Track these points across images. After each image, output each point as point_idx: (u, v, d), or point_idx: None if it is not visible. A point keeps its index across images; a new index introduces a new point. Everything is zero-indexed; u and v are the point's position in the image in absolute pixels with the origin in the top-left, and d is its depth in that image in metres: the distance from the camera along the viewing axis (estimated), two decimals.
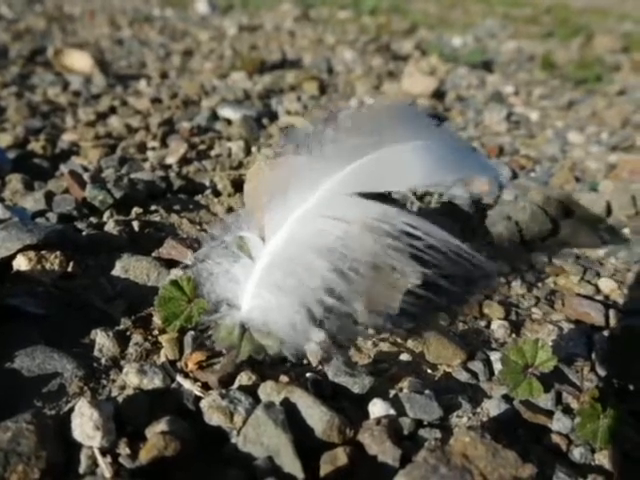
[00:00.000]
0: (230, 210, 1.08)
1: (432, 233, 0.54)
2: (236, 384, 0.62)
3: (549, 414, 0.64)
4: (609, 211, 1.23)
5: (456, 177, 0.58)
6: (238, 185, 1.16)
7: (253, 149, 1.40)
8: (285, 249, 0.59)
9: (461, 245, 0.54)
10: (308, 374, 0.65)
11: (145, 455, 0.52)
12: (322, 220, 0.58)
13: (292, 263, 0.58)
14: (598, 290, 0.93)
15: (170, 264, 0.84)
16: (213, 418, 0.57)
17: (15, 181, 1.09)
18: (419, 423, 0.60)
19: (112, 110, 1.63)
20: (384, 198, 0.58)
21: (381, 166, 0.57)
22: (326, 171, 0.58)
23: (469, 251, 0.53)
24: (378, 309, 0.70)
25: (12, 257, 0.78)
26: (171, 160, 1.29)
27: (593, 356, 0.75)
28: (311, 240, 0.58)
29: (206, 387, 0.62)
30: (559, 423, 0.63)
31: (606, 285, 0.93)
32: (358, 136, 0.58)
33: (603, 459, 0.59)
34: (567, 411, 0.65)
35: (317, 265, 0.57)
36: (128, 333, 0.70)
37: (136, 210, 1.02)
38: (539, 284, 0.93)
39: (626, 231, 1.16)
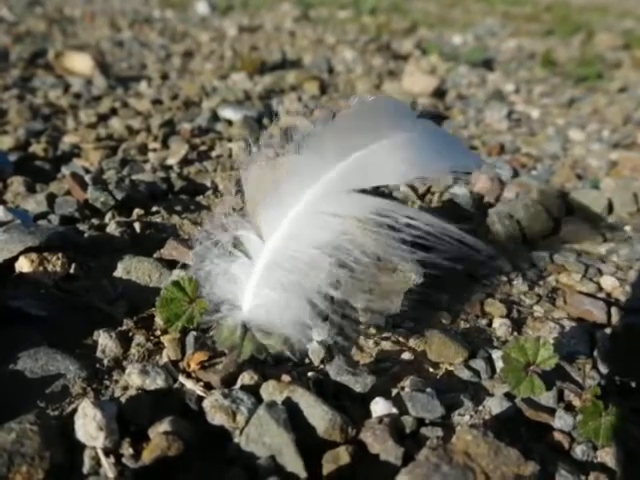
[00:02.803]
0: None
1: (431, 223, 0.54)
2: (238, 384, 0.62)
3: (551, 412, 0.64)
4: (611, 209, 1.23)
5: (440, 167, 0.58)
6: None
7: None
8: (285, 246, 0.59)
9: (461, 232, 0.54)
10: (310, 373, 0.65)
11: (148, 455, 0.52)
12: (321, 217, 0.58)
13: (294, 260, 0.58)
14: (600, 288, 0.93)
15: (172, 265, 0.84)
16: (216, 418, 0.57)
17: (17, 183, 1.09)
18: (421, 422, 0.60)
19: (113, 112, 1.63)
20: (381, 193, 0.58)
21: (368, 162, 0.57)
22: (316, 170, 0.58)
23: (469, 237, 0.53)
24: (381, 304, 0.70)
25: (14, 259, 0.79)
26: (172, 161, 1.30)
27: (595, 354, 0.75)
28: (312, 236, 0.58)
29: (208, 387, 0.62)
30: (561, 421, 0.63)
31: (608, 283, 0.93)
32: (346, 133, 0.58)
33: (605, 456, 0.59)
34: (569, 409, 0.65)
35: (322, 260, 0.57)
36: (130, 334, 0.70)
37: (137, 211, 1.02)
38: (541, 282, 0.93)
39: (628, 229, 1.16)
